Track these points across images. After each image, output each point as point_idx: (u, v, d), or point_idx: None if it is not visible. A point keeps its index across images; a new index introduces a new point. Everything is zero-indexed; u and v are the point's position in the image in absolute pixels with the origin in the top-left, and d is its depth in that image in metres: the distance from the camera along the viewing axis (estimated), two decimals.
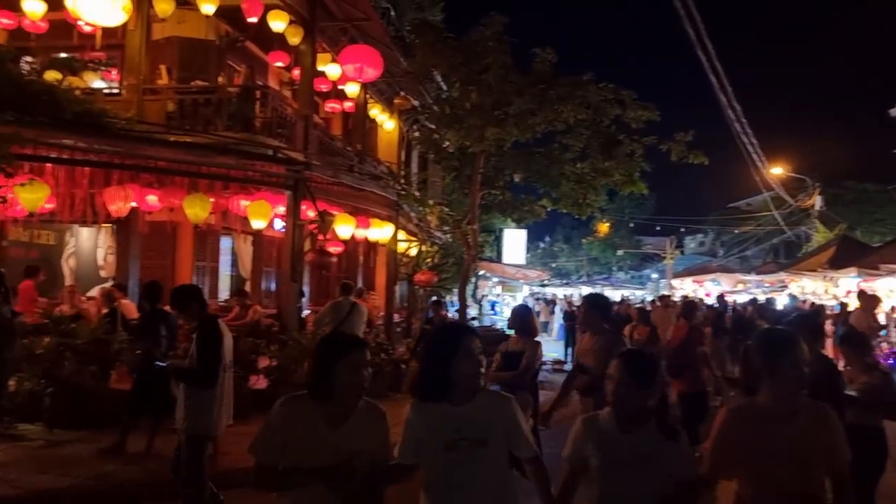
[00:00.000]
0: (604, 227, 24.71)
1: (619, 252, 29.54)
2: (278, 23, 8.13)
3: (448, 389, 1.78)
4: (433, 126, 10.29)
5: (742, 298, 15.74)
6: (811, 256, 15.92)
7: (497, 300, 21.23)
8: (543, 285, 24.88)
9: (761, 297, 14.96)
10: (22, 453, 4.91)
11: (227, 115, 7.83)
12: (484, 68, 8.76)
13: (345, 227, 7.76)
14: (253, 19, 7.98)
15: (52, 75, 7.82)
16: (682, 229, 31.44)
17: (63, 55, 8.54)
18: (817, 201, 20.34)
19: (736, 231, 25.70)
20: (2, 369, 5.31)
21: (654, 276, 28.30)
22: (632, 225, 29.95)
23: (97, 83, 8.40)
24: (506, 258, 18.54)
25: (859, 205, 23.42)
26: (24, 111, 6.05)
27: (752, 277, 18.46)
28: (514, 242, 19.32)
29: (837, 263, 12.80)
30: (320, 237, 7.68)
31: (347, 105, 11.04)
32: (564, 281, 26.47)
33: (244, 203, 7.45)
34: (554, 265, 26.63)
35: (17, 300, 6.67)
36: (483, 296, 18.42)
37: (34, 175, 6.30)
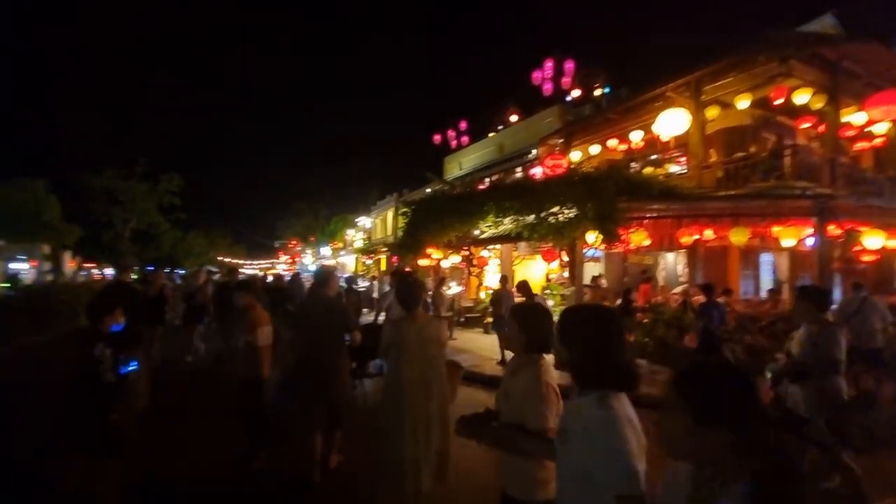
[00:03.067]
0: None
1: None
2: (802, 97, 9.94)
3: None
4: None
5: None
6: None
7: None
8: None
9: None
10: None
11: (762, 172, 10.27)
12: None
13: (874, 239, 8.65)
14: (779, 101, 10.00)
15: (647, 170, 12.11)
16: None
17: (652, 157, 12.98)
18: None
19: None
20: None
21: None
22: None
23: (673, 168, 12.27)
24: None
25: None
26: (631, 193, 9.38)
27: None
28: None
29: None
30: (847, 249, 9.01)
31: (877, 141, 10.94)
32: None
33: (777, 229, 9.13)
34: None
35: (637, 295, 10.69)
36: None
37: (638, 226, 9.47)
